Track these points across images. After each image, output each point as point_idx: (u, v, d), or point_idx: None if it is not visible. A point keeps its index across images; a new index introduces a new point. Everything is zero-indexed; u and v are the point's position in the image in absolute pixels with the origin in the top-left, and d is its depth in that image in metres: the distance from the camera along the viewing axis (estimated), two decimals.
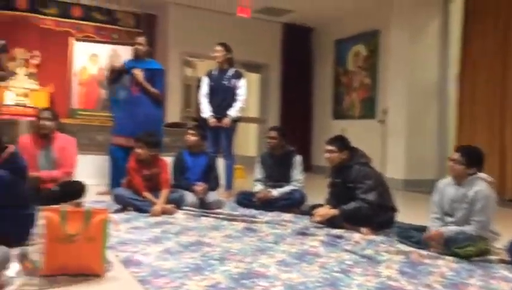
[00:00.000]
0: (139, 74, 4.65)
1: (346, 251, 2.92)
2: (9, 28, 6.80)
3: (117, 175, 4.52)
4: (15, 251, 2.29)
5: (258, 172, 4.46)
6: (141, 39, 4.83)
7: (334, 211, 3.49)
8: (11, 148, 2.69)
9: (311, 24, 8.75)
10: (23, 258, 2.24)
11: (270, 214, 4.07)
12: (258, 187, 4.36)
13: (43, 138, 3.92)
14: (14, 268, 2.18)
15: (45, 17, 7.34)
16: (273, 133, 4.39)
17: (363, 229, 3.41)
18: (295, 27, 8.72)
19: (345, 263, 2.65)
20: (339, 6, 7.63)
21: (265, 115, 8.83)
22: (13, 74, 6.75)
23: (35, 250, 2.43)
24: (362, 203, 3.41)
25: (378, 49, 7.56)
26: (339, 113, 8.36)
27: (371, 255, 2.84)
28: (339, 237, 3.29)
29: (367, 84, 7.78)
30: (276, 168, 4.36)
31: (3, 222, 2.55)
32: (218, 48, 5.05)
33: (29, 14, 7.20)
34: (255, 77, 9.03)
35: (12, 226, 2.59)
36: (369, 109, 7.70)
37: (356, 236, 3.32)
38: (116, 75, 4.81)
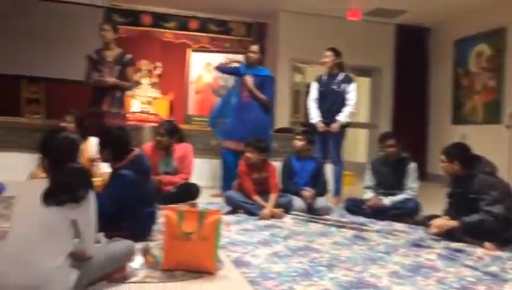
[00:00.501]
0: (249, 80, 4.80)
1: (467, 266, 2.69)
2: (136, 42, 7.47)
3: (228, 178, 4.70)
4: (139, 245, 2.48)
5: (369, 179, 4.30)
6: (254, 47, 4.99)
7: (453, 223, 3.24)
8: (137, 151, 2.94)
9: (427, 24, 8.27)
10: (145, 252, 2.43)
11: (380, 223, 3.90)
12: (368, 195, 4.21)
13: (163, 149, 4.24)
14: (138, 261, 2.38)
15: (166, 30, 7.93)
16: (392, 141, 4.18)
17: (487, 244, 3.11)
18: (409, 28, 8.31)
19: (465, 279, 2.45)
20: (458, 4, 7.10)
21: (376, 120, 8.53)
22: (138, 84, 7.40)
23: (156, 245, 2.63)
24: (487, 216, 3.12)
25: (504, 48, 6.88)
26: (459, 118, 7.75)
27: (496, 273, 2.58)
28: (459, 251, 3.04)
29: (491, 87, 7.12)
30: (389, 176, 4.17)
31: (130, 219, 2.80)
32: (328, 53, 5.00)
33: (152, 28, 7.85)
34: (365, 81, 8.78)
35: (137, 222, 2.83)
36: (494, 113, 7.03)
37: (478, 251, 3.04)
38: (229, 70, 5.09)
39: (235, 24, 8.27)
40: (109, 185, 2.80)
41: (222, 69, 5.23)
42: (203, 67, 7.86)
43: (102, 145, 2.87)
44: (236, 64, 5.08)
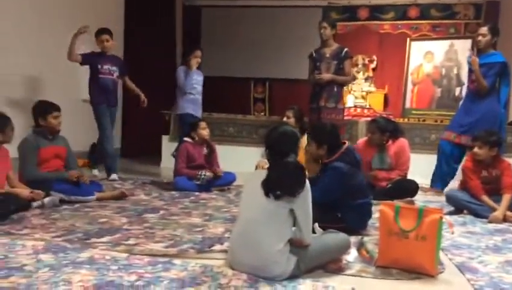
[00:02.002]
0: (475, 60, 4.27)
1: None
2: (352, 37, 7.51)
3: (443, 171, 4.37)
4: (353, 239, 2.48)
5: None
6: (484, 29, 4.40)
7: None
8: (346, 144, 2.96)
9: None
10: (360, 246, 2.42)
11: None
12: None
13: (377, 145, 4.15)
14: (353, 254, 2.38)
15: (383, 22, 7.74)
16: None
17: None
18: None
19: None
20: None
21: None
22: (354, 78, 7.42)
23: (371, 240, 2.59)
24: None
25: None
26: None
27: None
28: None
29: None
30: None
31: (344, 211, 2.84)
32: None
33: (369, 22, 7.77)
34: None
35: (351, 214, 2.85)
36: None
37: None
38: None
39: (461, 6, 7.52)
40: (322, 178, 2.87)
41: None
42: (423, 57, 7.39)
43: (318, 142, 2.93)
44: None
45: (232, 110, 6.55)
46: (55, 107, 3.60)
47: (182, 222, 3.05)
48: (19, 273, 1.96)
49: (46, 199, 3.29)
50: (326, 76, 4.69)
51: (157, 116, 6.25)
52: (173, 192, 4.15)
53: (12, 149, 3.36)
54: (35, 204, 3.21)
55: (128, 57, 6.53)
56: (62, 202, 3.41)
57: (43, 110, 3.57)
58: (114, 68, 4.83)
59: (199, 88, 4.92)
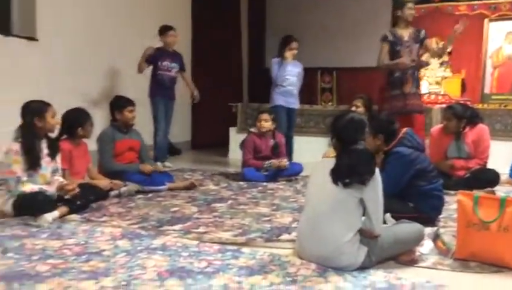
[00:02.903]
0: None
1: None
2: (426, 20, 7.12)
3: None
4: (428, 230, 2.36)
5: None
6: None
7: None
8: (404, 129, 2.82)
9: None
10: (436, 237, 2.30)
11: None
12: None
13: (453, 133, 3.92)
14: (427, 246, 2.27)
15: (459, 3, 7.28)
16: None
17: None
18: None
19: None
20: None
21: None
22: (427, 63, 7.06)
23: (447, 232, 2.45)
24: None
25: None
26: None
27: None
28: None
29: None
30: None
31: (413, 199, 2.70)
32: None
33: (444, 3, 7.35)
34: None
35: (422, 202, 2.70)
36: None
37: None
38: None
39: None
40: (385, 166, 2.74)
41: None
42: (503, 38, 6.86)
43: (373, 132, 2.72)
44: None
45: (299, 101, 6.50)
46: (130, 102, 3.77)
47: (249, 211, 3.08)
48: (98, 258, 2.08)
49: (123, 189, 3.46)
50: (408, 60, 4.38)
51: (225, 108, 6.36)
52: (241, 182, 4.19)
53: (90, 143, 3.58)
54: (112, 193, 3.39)
55: (196, 49, 6.68)
56: (137, 192, 3.57)
57: (120, 104, 3.75)
58: (173, 64, 5.00)
59: (293, 79, 4.90)
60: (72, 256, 2.10)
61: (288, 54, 4.76)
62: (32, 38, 4.42)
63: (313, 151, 4.46)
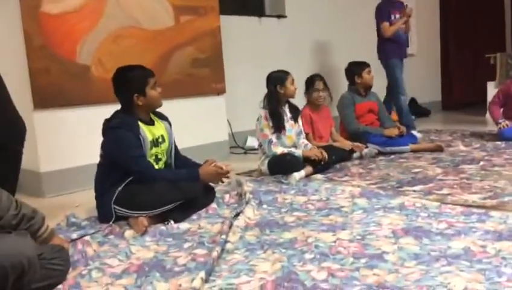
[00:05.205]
0: None
1: None
2: None
3: None
4: None
5: None
6: None
7: None
8: None
9: None
10: None
11: None
12: None
13: None
14: None
15: None
16: None
17: None
18: None
19: None
20: None
21: None
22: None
23: None
24: None
25: None
26: None
27: None
28: None
29: None
30: None
31: None
32: None
33: None
34: None
35: None
36: None
37: None
38: None
39: None
40: None
41: None
42: None
43: None
44: None
45: None
46: (366, 64, 3.76)
47: (505, 173, 2.71)
48: (337, 213, 2.19)
49: (365, 151, 3.52)
50: None
51: (482, 61, 5.64)
52: (498, 142, 3.69)
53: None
54: (355, 155, 3.48)
55: None
56: (378, 153, 3.56)
57: (358, 67, 3.78)
58: (398, 16, 4.47)
59: None
60: (314, 210, 2.27)
61: None
62: (281, 16, 4.87)
63: None
